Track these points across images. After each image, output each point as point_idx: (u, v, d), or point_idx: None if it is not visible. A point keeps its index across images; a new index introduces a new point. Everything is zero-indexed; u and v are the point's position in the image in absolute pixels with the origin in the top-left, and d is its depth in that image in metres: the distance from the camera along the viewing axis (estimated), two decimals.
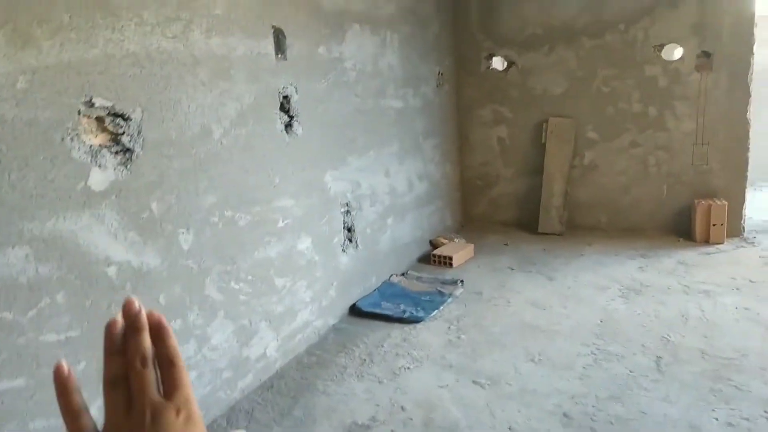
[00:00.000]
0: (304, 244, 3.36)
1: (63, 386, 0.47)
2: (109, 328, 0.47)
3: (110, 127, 2.17)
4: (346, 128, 3.76)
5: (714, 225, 4.77)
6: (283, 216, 3.15)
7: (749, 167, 4.89)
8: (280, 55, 3.02)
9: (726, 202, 4.78)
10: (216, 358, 2.70)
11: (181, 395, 0.47)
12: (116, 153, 2.20)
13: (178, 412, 0.46)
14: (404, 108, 4.56)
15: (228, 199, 2.74)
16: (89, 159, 2.08)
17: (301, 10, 3.22)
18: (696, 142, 4.94)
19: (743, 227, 4.95)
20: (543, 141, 5.43)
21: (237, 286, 2.81)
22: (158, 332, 0.48)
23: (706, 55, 4.77)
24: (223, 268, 2.72)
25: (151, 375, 0.47)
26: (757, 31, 4.66)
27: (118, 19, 2.17)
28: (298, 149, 3.26)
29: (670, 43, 4.89)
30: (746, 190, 4.93)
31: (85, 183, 2.07)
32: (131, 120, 2.23)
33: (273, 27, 2.96)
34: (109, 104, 2.14)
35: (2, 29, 1.78)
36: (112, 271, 2.18)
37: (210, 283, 2.64)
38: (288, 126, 3.17)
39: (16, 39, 1.82)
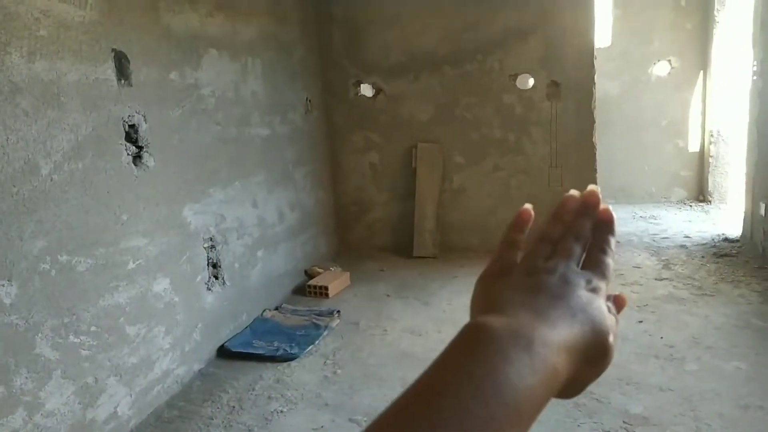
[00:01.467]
0: (161, 285, 3.07)
1: (518, 222, 0.52)
2: (568, 199, 0.51)
3: None
4: (206, 158, 3.53)
5: None
6: (134, 257, 2.85)
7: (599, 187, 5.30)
8: (123, 81, 2.75)
9: None
10: (52, 425, 2.34)
11: (596, 273, 0.47)
12: None
13: (588, 282, 0.46)
14: (271, 136, 4.41)
15: (63, 243, 2.41)
16: None
17: (147, 32, 2.98)
18: (551, 165, 5.28)
19: None
20: (413, 166, 5.53)
21: (77, 340, 2.48)
22: (604, 226, 0.50)
23: (555, 84, 5.14)
24: (58, 322, 2.38)
25: (578, 251, 0.48)
26: (597, 63, 5.10)
27: None
28: (150, 183, 2.99)
29: (523, 73, 5.21)
30: None
31: None
32: None
33: (113, 50, 2.69)
34: None
35: None
36: None
37: (41, 339, 2.29)
38: (137, 158, 2.90)
39: None
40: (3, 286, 2.13)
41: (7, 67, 2.14)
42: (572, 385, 0.44)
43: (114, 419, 2.68)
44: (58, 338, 2.38)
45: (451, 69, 5.33)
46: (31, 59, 2.25)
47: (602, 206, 0.50)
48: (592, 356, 0.43)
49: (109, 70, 2.68)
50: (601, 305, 0.45)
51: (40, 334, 2.29)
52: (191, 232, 3.36)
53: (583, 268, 0.48)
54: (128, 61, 2.80)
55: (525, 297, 0.45)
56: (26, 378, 2.23)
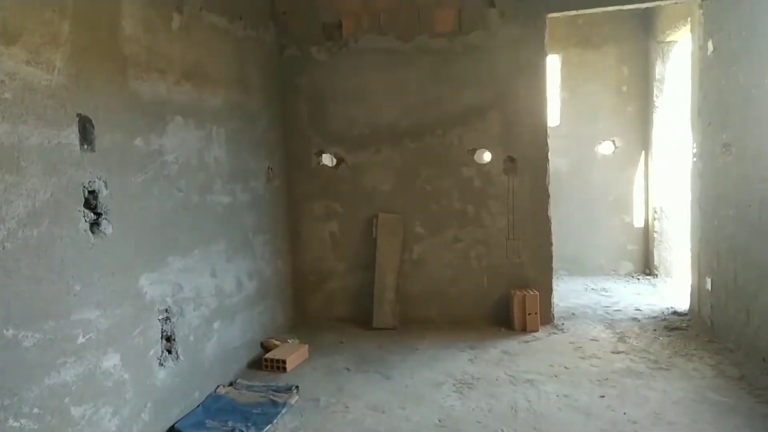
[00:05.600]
0: (111, 361, 2.87)
1: None
2: None
3: None
4: (166, 226, 3.42)
5: (529, 314, 5.13)
6: (84, 330, 2.67)
7: (553, 259, 5.43)
8: (86, 146, 2.67)
9: (537, 292, 5.20)
10: None
11: None
12: None
13: None
14: (233, 203, 4.34)
15: (10, 316, 2.24)
16: None
17: (114, 98, 2.93)
18: (508, 237, 5.38)
19: (553, 315, 5.41)
20: (374, 236, 5.52)
21: (17, 424, 2.25)
22: None
23: (512, 159, 5.33)
24: None
25: None
26: (549, 141, 5.34)
27: None
28: (107, 251, 2.85)
29: (481, 148, 5.40)
30: (552, 280, 5.44)
31: None
32: None
33: (78, 115, 2.63)
34: None
35: None
36: None
37: None
38: (95, 224, 2.77)
39: None
40: None
41: None
42: None
43: None
44: None
45: (412, 142, 5.46)
46: None
47: None
48: None
49: (73, 135, 2.60)
50: None
51: None
52: (146, 303, 3.19)
53: None
54: (93, 127, 2.73)
55: None
56: None
